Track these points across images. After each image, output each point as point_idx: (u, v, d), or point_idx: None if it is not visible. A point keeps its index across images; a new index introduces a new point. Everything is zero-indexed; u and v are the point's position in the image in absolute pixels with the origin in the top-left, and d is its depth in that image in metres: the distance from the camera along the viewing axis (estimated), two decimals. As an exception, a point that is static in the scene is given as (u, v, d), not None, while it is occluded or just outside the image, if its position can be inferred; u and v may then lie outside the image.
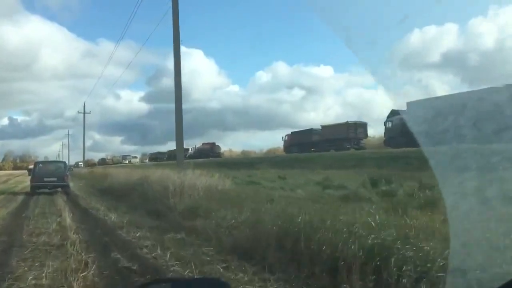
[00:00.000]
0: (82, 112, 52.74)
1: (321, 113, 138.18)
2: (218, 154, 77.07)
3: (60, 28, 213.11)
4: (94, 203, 17.16)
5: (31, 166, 59.52)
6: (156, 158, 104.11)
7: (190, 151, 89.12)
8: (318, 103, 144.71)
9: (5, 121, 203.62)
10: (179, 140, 17.17)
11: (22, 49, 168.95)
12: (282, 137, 58.19)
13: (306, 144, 49.74)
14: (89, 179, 35.90)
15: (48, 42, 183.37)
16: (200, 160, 65.22)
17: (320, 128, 49.06)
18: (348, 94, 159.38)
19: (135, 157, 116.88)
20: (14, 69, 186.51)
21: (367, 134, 45.73)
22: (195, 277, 5.37)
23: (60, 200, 19.92)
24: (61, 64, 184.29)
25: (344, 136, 43.88)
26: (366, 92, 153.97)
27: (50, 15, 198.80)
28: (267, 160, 40.86)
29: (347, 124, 44.52)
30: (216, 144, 78.59)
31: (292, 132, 55.32)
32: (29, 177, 27.24)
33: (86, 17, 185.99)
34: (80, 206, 16.94)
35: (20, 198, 22.23)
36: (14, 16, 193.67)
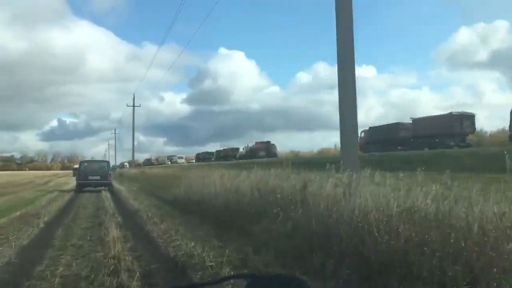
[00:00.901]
0: (132, 105, 45.97)
1: (363, 114, 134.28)
2: (274, 154, 68.99)
3: (106, 32, 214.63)
4: (197, 246, 6.80)
5: (76, 166, 53.01)
6: (204, 158, 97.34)
7: (241, 150, 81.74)
8: (360, 103, 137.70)
9: (54, 123, 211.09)
10: (349, 127, 8.68)
11: (70, 53, 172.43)
12: (360, 133, 49.46)
13: (389, 142, 40.90)
14: (143, 182, 28.53)
15: (94, 45, 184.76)
16: (263, 160, 57.41)
17: (411, 121, 40.14)
18: (391, 94, 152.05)
19: (181, 158, 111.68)
20: (63, 73, 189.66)
21: (474, 128, 36.37)
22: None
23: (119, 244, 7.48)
24: (107, 67, 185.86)
25: (447, 131, 34.69)
26: (411, 92, 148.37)
27: (97, 19, 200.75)
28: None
29: (450, 116, 35.33)
30: (271, 142, 70.59)
31: (370, 128, 46.44)
32: (72, 179, 27.51)
33: (131, 20, 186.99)
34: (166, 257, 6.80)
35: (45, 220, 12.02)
36: (62, 21, 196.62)
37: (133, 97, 46.09)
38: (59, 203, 16.18)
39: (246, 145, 76.44)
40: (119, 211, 13.15)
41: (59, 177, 54.75)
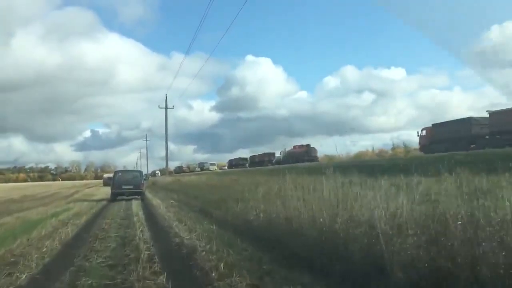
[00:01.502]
0: (164, 107, 41.01)
1: (392, 117, 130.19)
2: (314, 158, 62.88)
3: (135, 43, 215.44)
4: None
5: (106, 175, 48.77)
6: (237, 164, 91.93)
7: (278, 155, 75.91)
8: (388, 106, 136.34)
9: (88, 134, 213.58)
10: None
11: (101, 65, 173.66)
12: (417, 133, 43.07)
13: (459, 140, 34.35)
14: (182, 193, 23.20)
15: (124, 57, 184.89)
16: (305, 165, 51.68)
17: (487, 115, 33.52)
18: (421, 96, 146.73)
19: (213, 164, 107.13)
20: (95, 84, 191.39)
21: None
22: None
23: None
24: (137, 78, 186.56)
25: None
26: (441, 93, 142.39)
27: (126, 32, 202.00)
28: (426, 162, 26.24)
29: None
30: (312, 146, 64.46)
31: (433, 125, 39.78)
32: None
33: (159, 31, 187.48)
34: None
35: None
36: (93, 34, 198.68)
37: (165, 98, 41.19)
38: (69, 229, 10.73)
39: (283, 149, 70.53)
40: (160, 251, 7.51)
41: (88, 187, 50.22)
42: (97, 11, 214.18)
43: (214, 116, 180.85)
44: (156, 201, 20.81)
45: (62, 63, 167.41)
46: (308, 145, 64.00)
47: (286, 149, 69.76)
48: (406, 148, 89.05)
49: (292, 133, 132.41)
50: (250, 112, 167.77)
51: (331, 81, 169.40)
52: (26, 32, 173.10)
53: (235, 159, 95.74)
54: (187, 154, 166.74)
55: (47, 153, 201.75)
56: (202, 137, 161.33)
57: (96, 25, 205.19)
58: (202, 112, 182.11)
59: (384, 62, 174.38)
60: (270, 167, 67.70)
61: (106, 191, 35.26)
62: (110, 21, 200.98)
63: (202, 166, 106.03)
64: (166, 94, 40.99)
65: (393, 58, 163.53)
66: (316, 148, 64.55)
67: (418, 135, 42.67)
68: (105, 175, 55.33)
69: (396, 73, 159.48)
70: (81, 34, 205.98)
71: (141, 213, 14.93)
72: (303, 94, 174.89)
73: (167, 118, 39.92)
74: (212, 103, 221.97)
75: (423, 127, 41.74)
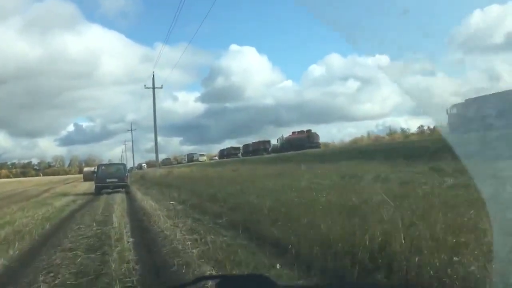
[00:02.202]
0: (151, 87, 33.90)
1: (377, 104, 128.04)
2: (317, 145, 56.54)
3: (118, 35, 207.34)
4: None
5: (86, 169, 46.29)
6: (228, 154, 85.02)
7: (275, 142, 69.34)
8: (374, 93, 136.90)
9: (71, 128, 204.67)
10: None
11: (84, 58, 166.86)
12: (447, 110, 36.69)
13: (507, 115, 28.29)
14: (181, 189, 16.47)
15: (107, 49, 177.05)
16: (309, 152, 45.52)
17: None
18: (405, 82, 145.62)
19: (203, 155, 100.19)
20: (78, 77, 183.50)
21: None
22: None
23: None
24: (121, 70, 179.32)
25: None
26: (424, 79, 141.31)
27: (108, 23, 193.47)
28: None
29: None
30: (313, 131, 57.98)
31: (468, 100, 33.66)
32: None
33: (142, 22, 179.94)
34: None
35: None
36: (75, 27, 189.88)
37: (152, 76, 34.08)
38: None
39: (281, 136, 63.90)
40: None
41: (66, 183, 42.88)
42: (78, 3, 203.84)
43: (200, 107, 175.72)
44: (149, 203, 14.00)
45: (44, 56, 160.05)
46: (309, 131, 57.41)
47: (284, 136, 63.21)
48: (404, 133, 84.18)
49: (279, 122, 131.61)
50: (236, 102, 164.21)
51: (316, 70, 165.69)
52: (6, 25, 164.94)
53: (227, 148, 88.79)
54: (174, 146, 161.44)
55: (31, 149, 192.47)
56: (188, 128, 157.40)
57: (77, 17, 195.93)
58: (187, 103, 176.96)
59: (368, 49, 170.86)
60: (267, 156, 61.27)
61: (84, 188, 28.24)
62: (92, 12, 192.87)
63: (191, 158, 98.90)
64: (153, 72, 33.84)
65: (377, 45, 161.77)
66: (318, 133, 58.19)
67: (447, 113, 36.35)
68: (85, 169, 47.99)
69: (380, 60, 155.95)
70: (62, 26, 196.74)
71: (128, 234, 8.12)
72: (289, 83, 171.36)
73: (155, 99, 32.85)
74: (197, 94, 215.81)
75: (454, 103, 35.44)
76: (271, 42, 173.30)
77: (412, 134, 76.24)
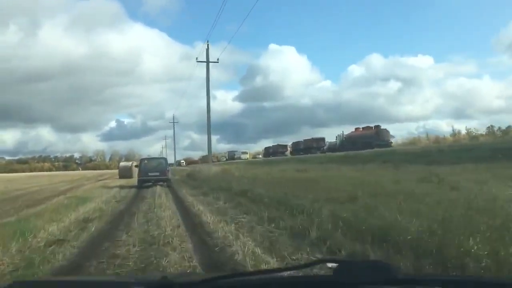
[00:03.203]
0: (205, 61, 25.67)
1: (419, 106, 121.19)
2: (387, 143, 47.02)
3: (159, 33, 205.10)
4: None
5: (123, 163, 40.15)
6: (274, 152, 76.45)
7: (334, 140, 60.15)
8: (415, 95, 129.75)
9: (113, 124, 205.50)
10: None
11: (126, 56, 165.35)
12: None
13: None
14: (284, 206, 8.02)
15: (149, 47, 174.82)
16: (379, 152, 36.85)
17: None
18: (449, 84, 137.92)
19: (245, 153, 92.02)
20: (120, 75, 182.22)
21: None
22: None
23: None
24: (162, 68, 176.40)
25: None
26: (469, 81, 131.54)
27: (150, 22, 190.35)
28: None
29: None
30: (382, 127, 48.42)
31: None
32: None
33: (183, 21, 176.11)
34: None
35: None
36: (119, 25, 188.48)
37: (206, 47, 25.77)
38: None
39: (341, 133, 54.54)
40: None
41: (99, 180, 35.36)
42: (121, 2, 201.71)
43: (237, 106, 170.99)
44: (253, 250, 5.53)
45: (88, 53, 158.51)
46: (378, 126, 47.76)
47: (345, 133, 53.91)
48: (470, 133, 73.62)
49: (316, 123, 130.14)
50: (273, 102, 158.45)
51: (355, 70, 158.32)
52: (53, 23, 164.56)
53: (273, 146, 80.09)
54: (211, 144, 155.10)
55: (74, 143, 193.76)
56: (225, 127, 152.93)
57: (121, 15, 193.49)
58: (225, 102, 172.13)
59: (411, 49, 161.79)
60: (321, 155, 52.51)
61: (115, 191, 20.30)
62: (135, 11, 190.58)
63: (232, 155, 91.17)
64: (208, 42, 25.45)
65: (420, 46, 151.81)
66: (388, 130, 48.60)
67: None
68: (122, 164, 40.38)
69: (423, 61, 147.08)
70: (106, 24, 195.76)
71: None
72: (327, 83, 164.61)
73: (209, 73, 24.58)
74: (235, 93, 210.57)
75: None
76: (311, 41, 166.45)
77: (481, 135, 66.51)
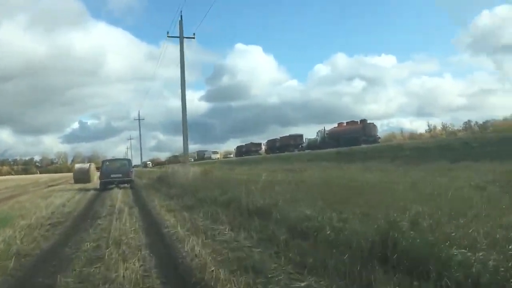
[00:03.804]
0: (177, 35, 20.22)
1: (383, 104, 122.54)
2: (375, 138, 42.91)
3: (123, 32, 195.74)
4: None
5: (78, 166, 34.51)
6: (247, 151, 71.34)
7: (311, 138, 55.60)
8: (379, 94, 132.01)
9: (76, 125, 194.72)
10: None
11: (89, 55, 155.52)
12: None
13: None
14: None
15: (113, 46, 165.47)
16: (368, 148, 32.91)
17: None
18: (412, 83, 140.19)
19: (216, 153, 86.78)
20: (83, 75, 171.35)
21: None
22: None
23: None
24: (126, 68, 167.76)
25: None
26: (431, 80, 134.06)
27: (114, 20, 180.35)
28: None
29: None
30: (369, 121, 44.14)
31: None
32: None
33: (148, 20, 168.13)
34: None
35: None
36: (81, 24, 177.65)
37: (179, 20, 20.29)
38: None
39: (322, 129, 50.02)
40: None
41: (49, 186, 29.06)
42: (83, 0, 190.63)
43: (204, 106, 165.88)
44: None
45: (49, 53, 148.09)
46: (364, 121, 43.55)
47: (326, 128, 49.40)
48: (446, 129, 72.75)
49: (283, 122, 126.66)
50: (241, 102, 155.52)
51: (321, 69, 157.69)
52: (13, 22, 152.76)
53: (246, 145, 74.87)
54: (177, 144, 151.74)
55: (36, 146, 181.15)
56: (192, 127, 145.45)
57: (83, 14, 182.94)
58: (191, 102, 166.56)
59: (375, 49, 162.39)
60: (303, 152, 47.86)
61: (62, 200, 14.60)
62: (97, 9, 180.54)
63: (201, 155, 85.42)
64: (181, 14, 20.01)
65: (384, 45, 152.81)
66: (375, 124, 44.43)
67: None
68: (77, 165, 33.75)
69: (387, 60, 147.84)
70: (68, 23, 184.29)
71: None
72: (294, 82, 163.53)
73: (183, 49, 19.21)
74: (202, 92, 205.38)
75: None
76: (278, 41, 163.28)
77: (458, 130, 64.88)
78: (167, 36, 20.33)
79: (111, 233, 7.15)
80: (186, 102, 20.16)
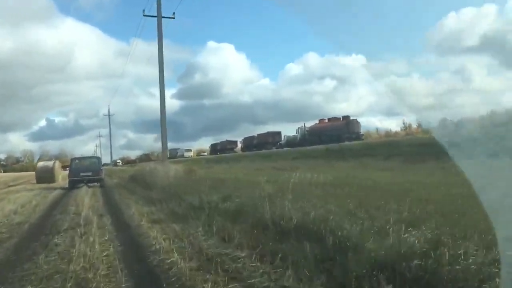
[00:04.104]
0: (154, 15, 17.51)
1: (353, 103, 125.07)
2: (358, 135, 41.26)
3: (93, 29, 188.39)
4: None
5: (41, 163, 31.17)
6: (223, 149, 68.64)
7: (291, 135, 53.53)
8: (350, 93, 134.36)
9: (43, 123, 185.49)
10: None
11: (58, 51, 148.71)
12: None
13: None
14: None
15: (81, 43, 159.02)
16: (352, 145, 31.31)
17: None
18: (381, 83, 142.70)
19: (189, 150, 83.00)
20: (51, 71, 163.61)
21: None
22: None
23: None
24: (95, 65, 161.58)
25: None
26: (399, 80, 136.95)
27: (83, 17, 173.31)
28: None
29: None
30: (352, 118, 42.34)
31: None
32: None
33: (117, 16, 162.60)
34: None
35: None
36: (49, 20, 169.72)
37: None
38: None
39: (302, 126, 47.90)
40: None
41: (9, 186, 25.65)
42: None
43: (175, 104, 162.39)
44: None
45: (15, 49, 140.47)
46: (347, 117, 41.80)
47: (306, 125, 47.34)
48: (420, 127, 72.10)
49: (255, 120, 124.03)
50: (213, 100, 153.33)
51: (293, 68, 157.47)
52: None
53: (221, 142, 72.13)
54: (148, 143, 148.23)
55: (1, 144, 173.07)
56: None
57: (50, 9, 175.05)
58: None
59: (345, 49, 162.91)
60: (284, 150, 45.77)
61: (15, 206, 11.70)
62: (66, 5, 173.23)
63: (174, 153, 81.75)
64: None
65: (354, 44, 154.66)
66: (358, 120, 42.71)
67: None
68: (40, 163, 30.12)
69: (357, 60, 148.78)
70: (35, 18, 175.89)
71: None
72: (266, 81, 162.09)
73: (161, 28, 16.53)
74: (173, 90, 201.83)
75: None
76: (250, 40, 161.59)
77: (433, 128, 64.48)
78: (143, 15, 17.57)
79: (71, 265, 4.57)
80: (156, 99, 17.55)
